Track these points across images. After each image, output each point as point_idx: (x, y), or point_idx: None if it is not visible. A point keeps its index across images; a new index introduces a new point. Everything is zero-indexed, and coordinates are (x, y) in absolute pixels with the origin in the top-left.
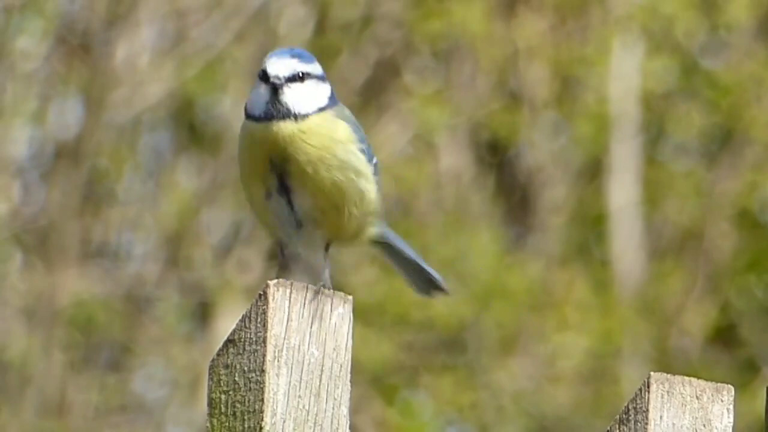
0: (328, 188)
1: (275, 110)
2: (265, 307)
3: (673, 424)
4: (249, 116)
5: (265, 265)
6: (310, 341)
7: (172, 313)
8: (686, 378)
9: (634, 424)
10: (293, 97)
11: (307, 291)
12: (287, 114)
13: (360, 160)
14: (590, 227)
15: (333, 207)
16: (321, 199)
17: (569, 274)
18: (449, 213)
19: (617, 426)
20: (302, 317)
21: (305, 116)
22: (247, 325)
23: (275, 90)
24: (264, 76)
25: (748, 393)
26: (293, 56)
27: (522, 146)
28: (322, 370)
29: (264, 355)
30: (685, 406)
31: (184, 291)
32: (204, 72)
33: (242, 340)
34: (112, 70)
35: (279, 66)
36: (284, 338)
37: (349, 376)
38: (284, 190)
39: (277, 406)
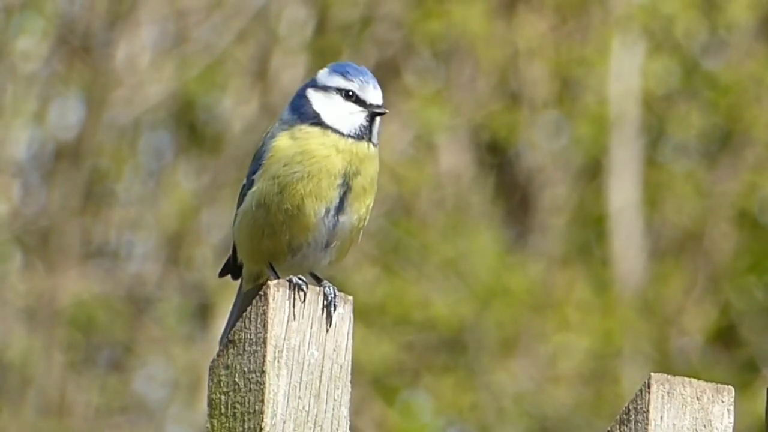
0: (365, 210)
1: (366, 133)
2: (265, 307)
3: (674, 424)
4: (328, 127)
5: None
6: (310, 342)
7: (173, 314)
8: (686, 379)
9: (635, 424)
10: (378, 125)
11: (319, 293)
12: (370, 138)
13: None
14: (591, 228)
15: (359, 229)
16: (359, 219)
17: (570, 275)
18: (450, 213)
19: (618, 426)
20: (302, 318)
21: (376, 145)
22: (247, 326)
23: (373, 117)
24: (359, 101)
25: (748, 393)
26: (379, 85)
27: (522, 147)
28: (322, 371)
29: (264, 356)
30: (686, 406)
31: (184, 291)
32: (204, 72)
33: (242, 340)
34: (113, 71)
35: (378, 96)
36: (284, 339)
37: (349, 376)
38: (338, 209)
39: (277, 407)
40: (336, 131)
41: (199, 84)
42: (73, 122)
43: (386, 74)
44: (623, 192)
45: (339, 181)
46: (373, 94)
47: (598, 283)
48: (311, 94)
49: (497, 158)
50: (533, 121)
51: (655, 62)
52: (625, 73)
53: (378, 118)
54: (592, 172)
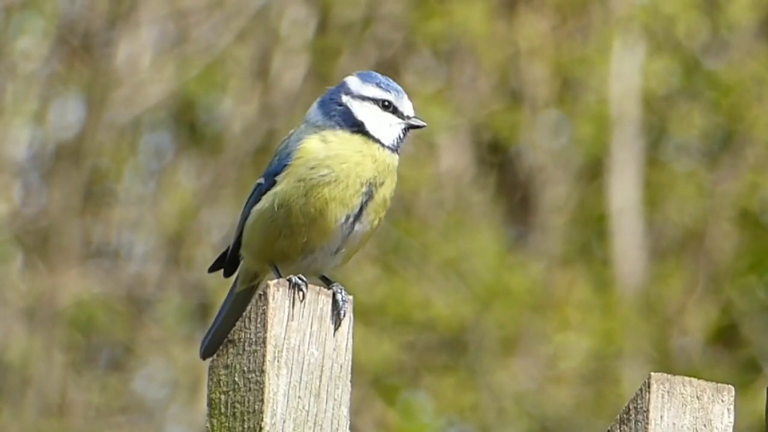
0: (378, 221)
1: (398, 144)
2: (265, 307)
3: (674, 423)
4: (370, 137)
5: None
6: (310, 341)
7: (173, 314)
8: (686, 378)
9: (635, 423)
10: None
11: (335, 295)
12: (397, 150)
13: None
14: (591, 227)
15: (369, 238)
16: (372, 229)
17: (570, 275)
18: (450, 213)
19: (618, 426)
20: (302, 317)
21: (398, 156)
22: (247, 326)
23: (408, 129)
24: (396, 112)
25: (749, 393)
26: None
27: (523, 146)
28: (322, 371)
29: (264, 356)
30: (686, 406)
31: (184, 291)
32: (205, 72)
33: (242, 340)
34: (113, 71)
35: (411, 108)
36: (284, 338)
37: (349, 376)
38: (356, 217)
39: (276, 407)
40: (377, 141)
41: (199, 84)
42: (73, 122)
43: (387, 74)
44: (624, 192)
45: (365, 189)
46: (408, 106)
47: (598, 282)
48: (350, 101)
49: (498, 158)
50: (534, 120)
51: (655, 62)
52: (625, 73)
53: (410, 131)
54: (593, 171)
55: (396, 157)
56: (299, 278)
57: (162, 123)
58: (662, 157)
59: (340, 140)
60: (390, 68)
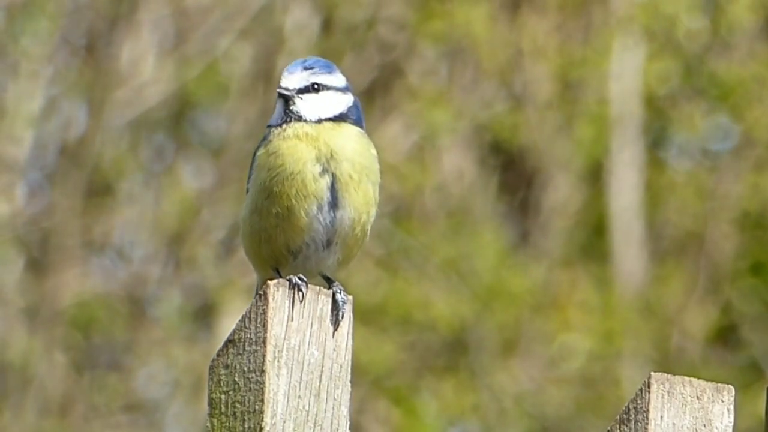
0: (363, 202)
1: (288, 116)
2: (265, 307)
3: (674, 423)
4: (271, 125)
5: None
6: (310, 341)
7: (174, 314)
8: (686, 378)
9: (635, 423)
10: (303, 103)
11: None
12: (293, 119)
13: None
14: (592, 229)
15: (363, 224)
16: (358, 212)
17: (571, 276)
18: (453, 214)
19: (618, 426)
20: (302, 317)
21: (316, 122)
22: (247, 326)
23: (282, 99)
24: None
25: (749, 394)
26: (306, 67)
27: (525, 148)
28: (322, 371)
29: (264, 356)
30: (686, 406)
31: (185, 291)
32: (206, 73)
33: (242, 340)
34: (115, 71)
35: (287, 80)
36: (284, 338)
37: (349, 376)
38: (332, 204)
39: (277, 407)
40: (272, 126)
41: (201, 84)
42: (75, 123)
43: (390, 75)
44: (625, 193)
45: (318, 170)
46: (284, 80)
47: (599, 283)
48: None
49: (500, 159)
50: (536, 121)
51: (656, 63)
52: (626, 74)
53: (296, 99)
54: (595, 173)
55: (320, 125)
56: (299, 278)
57: (162, 123)
58: (663, 157)
59: (277, 137)
60: (393, 70)
